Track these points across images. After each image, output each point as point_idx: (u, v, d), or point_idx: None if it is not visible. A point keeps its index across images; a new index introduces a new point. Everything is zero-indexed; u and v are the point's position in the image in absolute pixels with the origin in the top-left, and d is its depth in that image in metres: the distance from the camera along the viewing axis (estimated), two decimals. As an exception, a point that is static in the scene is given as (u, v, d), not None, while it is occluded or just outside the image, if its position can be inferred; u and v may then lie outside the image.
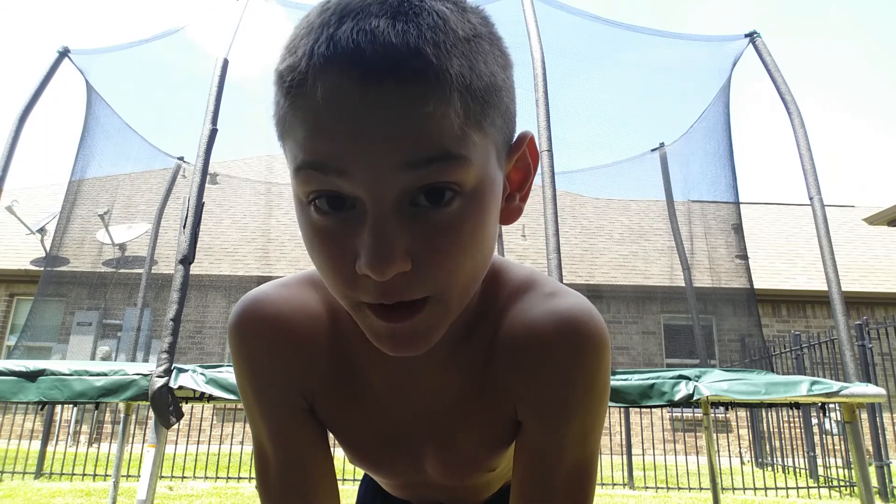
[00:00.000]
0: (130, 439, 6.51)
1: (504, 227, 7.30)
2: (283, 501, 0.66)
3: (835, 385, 2.62)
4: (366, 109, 0.43)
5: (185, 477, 5.97)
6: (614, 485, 6.28)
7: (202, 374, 2.60)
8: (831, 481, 6.28)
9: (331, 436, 0.70)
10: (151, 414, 2.55)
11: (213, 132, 3.02)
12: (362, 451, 0.70)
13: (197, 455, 6.64)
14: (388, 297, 0.47)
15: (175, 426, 2.71)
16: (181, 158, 6.30)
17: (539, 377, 0.59)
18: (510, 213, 0.56)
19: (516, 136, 0.54)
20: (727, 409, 3.55)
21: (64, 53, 4.15)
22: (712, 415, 3.58)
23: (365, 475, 1.00)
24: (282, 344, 0.63)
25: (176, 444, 6.84)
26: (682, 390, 2.65)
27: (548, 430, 0.60)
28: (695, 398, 2.64)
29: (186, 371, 2.60)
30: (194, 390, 2.55)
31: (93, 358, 7.58)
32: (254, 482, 5.93)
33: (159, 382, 2.51)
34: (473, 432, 0.65)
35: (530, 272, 0.65)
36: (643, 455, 7.37)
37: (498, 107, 0.49)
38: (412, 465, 0.70)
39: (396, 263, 0.44)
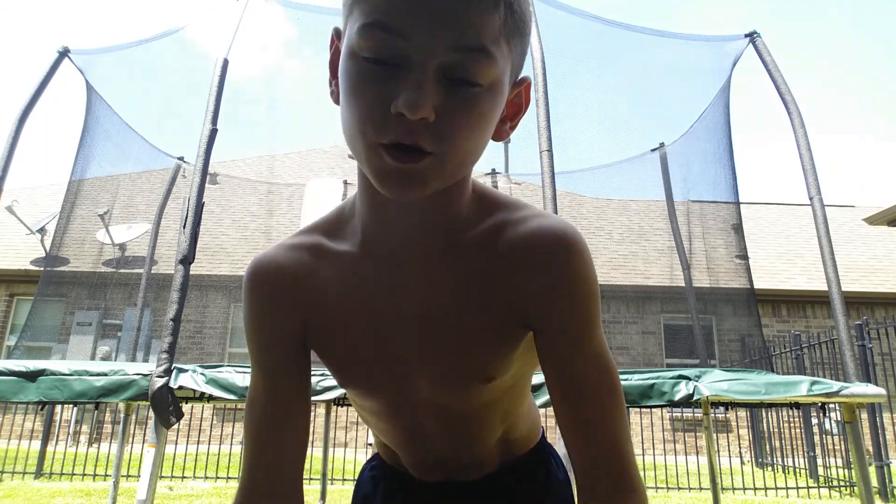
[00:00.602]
0: (130, 439, 6.51)
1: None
2: (262, 420, 0.73)
3: (835, 385, 2.62)
4: None
5: (185, 477, 5.97)
6: (614, 485, 6.27)
7: (202, 374, 2.60)
8: (831, 481, 6.29)
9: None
10: (151, 414, 2.55)
11: (213, 132, 3.03)
12: (353, 363, 0.74)
13: (197, 455, 6.64)
14: (409, 136, 0.55)
15: (175, 426, 2.71)
16: (181, 158, 6.30)
17: (551, 286, 0.67)
18: (500, 132, 0.65)
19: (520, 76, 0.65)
20: (727, 409, 3.55)
21: (64, 53, 4.16)
22: (712, 415, 3.58)
23: (363, 470, 1.00)
24: (276, 287, 0.73)
25: (176, 444, 6.84)
26: (682, 390, 2.65)
27: (565, 332, 0.67)
28: (695, 398, 2.64)
29: (186, 371, 2.61)
30: (194, 390, 2.56)
31: (93, 358, 7.58)
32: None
33: (159, 382, 2.51)
34: (468, 334, 0.70)
35: (515, 197, 0.74)
36: (643, 455, 7.37)
37: (523, 37, 0.60)
38: (404, 377, 0.73)
39: (427, 108, 0.53)
